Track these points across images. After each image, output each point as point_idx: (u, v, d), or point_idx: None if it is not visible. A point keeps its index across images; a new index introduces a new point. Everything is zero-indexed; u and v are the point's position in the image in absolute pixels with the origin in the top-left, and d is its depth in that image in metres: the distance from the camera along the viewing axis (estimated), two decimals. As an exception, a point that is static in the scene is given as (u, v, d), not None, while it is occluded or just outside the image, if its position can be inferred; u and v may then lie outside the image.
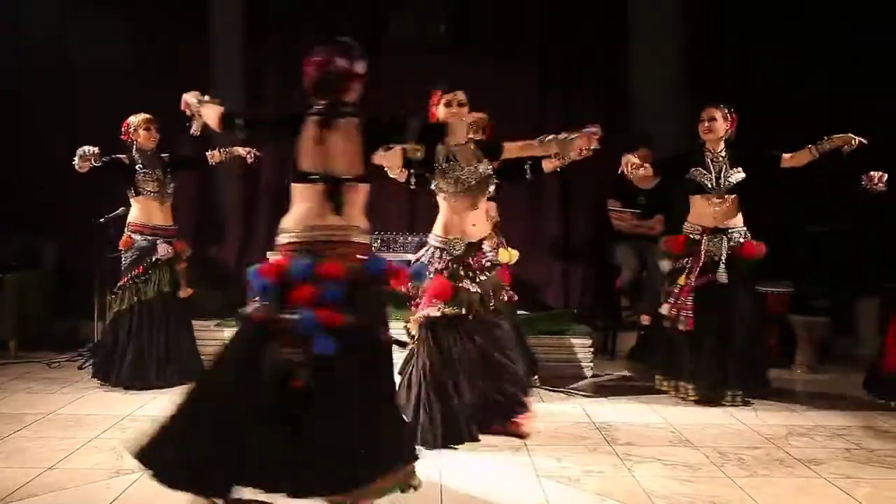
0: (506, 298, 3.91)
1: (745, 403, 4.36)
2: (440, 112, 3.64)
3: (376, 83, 6.62)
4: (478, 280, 3.66)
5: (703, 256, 4.38)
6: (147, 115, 4.77)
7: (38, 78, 6.15)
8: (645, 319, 5.94)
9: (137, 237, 4.74)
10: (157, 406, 4.25)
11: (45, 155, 6.13)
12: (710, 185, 4.42)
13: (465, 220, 3.68)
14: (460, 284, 3.61)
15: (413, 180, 3.79)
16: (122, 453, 3.40)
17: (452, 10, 6.36)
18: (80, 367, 5.14)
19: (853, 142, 4.22)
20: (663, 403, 4.44)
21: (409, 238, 5.71)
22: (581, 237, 6.39)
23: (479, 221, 3.72)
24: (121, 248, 4.76)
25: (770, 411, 4.27)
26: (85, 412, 4.12)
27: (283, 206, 2.73)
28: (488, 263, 3.76)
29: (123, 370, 4.58)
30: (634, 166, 4.34)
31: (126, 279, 4.70)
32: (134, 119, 4.75)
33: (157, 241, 4.75)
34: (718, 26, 6.31)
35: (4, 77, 6.14)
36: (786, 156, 4.42)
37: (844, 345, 5.71)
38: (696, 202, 4.50)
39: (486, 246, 3.76)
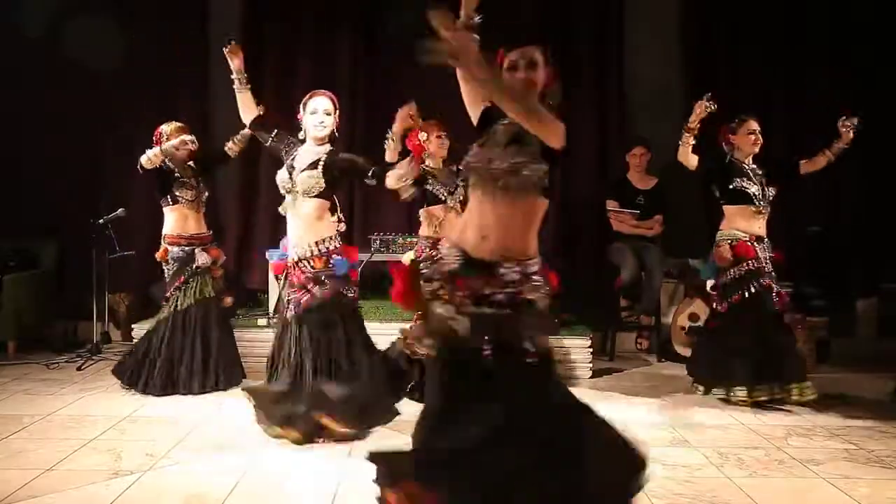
0: None
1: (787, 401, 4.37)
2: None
3: (372, 83, 6.66)
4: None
5: (759, 263, 4.43)
6: (179, 124, 4.70)
7: (36, 78, 6.14)
8: (644, 320, 5.97)
9: (175, 249, 4.68)
10: (156, 407, 4.27)
11: (44, 156, 6.14)
12: (758, 198, 4.46)
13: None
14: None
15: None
16: (121, 454, 3.42)
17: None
18: (78, 369, 5.14)
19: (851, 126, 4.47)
20: (663, 403, 4.44)
21: (408, 239, 5.67)
22: (580, 238, 6.39)
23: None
24: (158, 259, 4.71)
25: (769, 412, 4.27)
26: (84, 413, 4.12)
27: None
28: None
29: (156, 377, 4.51)
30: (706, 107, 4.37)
31: (171, 290, 4.67)
32: (166, 128, 4.67)
33: (196, 250, 4.72)
34: (715, 26, 6.32)
35: (3, 77, 6.14)
36: (802, 162, 4.57)
37: (843, 345, 5.71)
38: (743, 212, 4.48)
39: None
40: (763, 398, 4.33)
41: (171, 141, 4.52)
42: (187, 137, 4.60)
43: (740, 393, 4.35)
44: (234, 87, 3.80)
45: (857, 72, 5.97)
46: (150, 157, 4.45)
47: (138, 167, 4.53)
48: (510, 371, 2.28)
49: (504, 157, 2.31)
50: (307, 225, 3.72)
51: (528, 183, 2.30)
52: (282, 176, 3.72)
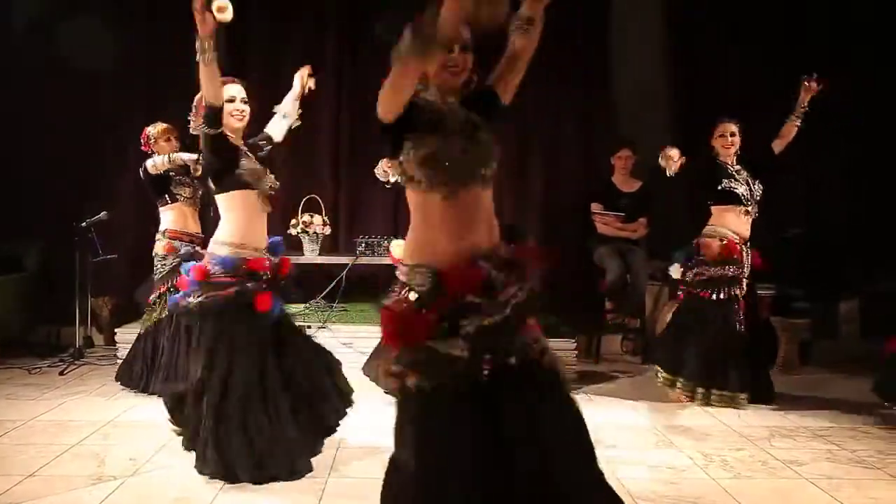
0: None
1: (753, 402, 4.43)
2: None
3: (356, 84, 6.62)
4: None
5: (745, 265, 4.47)
6: (165, 126, 4.69)
7: (21, 80, 6.08)
8: (630, 323, 5.99)
9: (179, 244, 4.62)
10: (139, 411, 4.23)
11: (27, 159, 6.08)
12: (746, 198, 4.49)
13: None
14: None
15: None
16: (105, 459, 3.39)
17: (437, 11, 6.36)
18: (61, 373, 5.08)
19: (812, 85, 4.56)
20: (649, 405, 4.46)
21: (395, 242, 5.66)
22: (565, 240, 6.40)
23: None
24: (158, 254, 4.63)
25: (753, 413, 4.30)
26: (66, 418, 4.08)
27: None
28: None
29: (160, 379, 4.46)
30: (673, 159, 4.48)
31: (164, 287, 4.59)
32: (152, 130, 4.66)
33: (195, 249, 4.67)
34: (701, 27, 6.36)
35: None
36: (775, 143, 4.64)
37: (826, 346, 5.76)
38: (731, 212, 4.51)
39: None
40: (700, 400, 4.42)
41: (180, 154, 4.49)
42: (181, 155, 4.51)
43: (685, 386, 4.47)
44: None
45: (849, 70, 5.99)
46: (155, 164, 4.48)
47: (140, 171, 4.54)
48: (518, 388, 1.96)
49: (478, 145, 2.03)
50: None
51: (495, 166, 2.07)
52: (257, 173, 3.29)
